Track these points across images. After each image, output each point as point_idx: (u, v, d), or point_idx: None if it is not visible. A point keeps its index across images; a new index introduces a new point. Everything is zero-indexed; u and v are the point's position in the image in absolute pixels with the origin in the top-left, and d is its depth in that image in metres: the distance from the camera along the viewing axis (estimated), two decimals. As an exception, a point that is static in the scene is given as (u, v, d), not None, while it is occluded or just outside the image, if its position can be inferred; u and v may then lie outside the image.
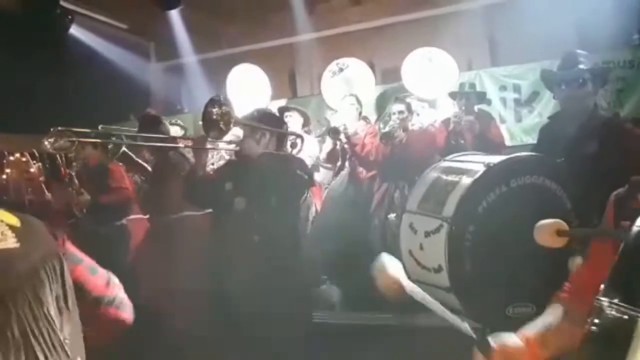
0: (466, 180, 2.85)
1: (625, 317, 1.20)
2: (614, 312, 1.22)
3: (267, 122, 3.69)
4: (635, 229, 1.32)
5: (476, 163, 3.01)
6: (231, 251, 3.43)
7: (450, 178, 3.00)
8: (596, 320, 1.25)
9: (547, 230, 1.44)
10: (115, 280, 1.48)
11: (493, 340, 1.63)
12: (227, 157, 4.51)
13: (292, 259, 3.53)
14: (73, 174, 5.03)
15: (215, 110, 3.45)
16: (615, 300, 1.24)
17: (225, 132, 3.57)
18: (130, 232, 5.11)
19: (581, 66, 3.36)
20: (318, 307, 4.41)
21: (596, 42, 4.98)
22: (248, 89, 6.55)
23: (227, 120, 3.44)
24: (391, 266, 1.94)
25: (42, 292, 1.07)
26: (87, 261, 1.42)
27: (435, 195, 2.99)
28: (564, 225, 1.43)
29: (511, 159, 2.95)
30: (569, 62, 3.42)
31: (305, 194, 5.04)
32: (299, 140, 4.55)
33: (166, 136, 4.61)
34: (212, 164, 4.92)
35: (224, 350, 3.37)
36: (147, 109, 5.43)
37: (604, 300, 1.26)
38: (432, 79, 5.94)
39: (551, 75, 3.56)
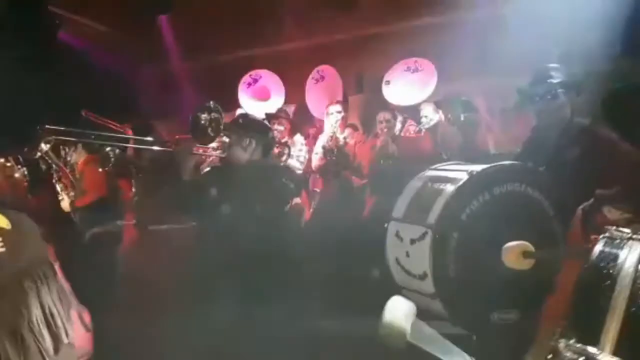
0: (450, 188, 2.91)
1: (581, 359, 1.22)
2: (569, 354, 1.24)
3: (254, 129, 3.71)
4: (588, 264, 1.33)
5: (460, 171, 3.08)
6: (216, 258, 3.43)
7: (435, 186, 3.07)
8: None
9: (514, 252, 1.47)
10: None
11: None
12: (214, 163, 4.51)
13: (277, 265, 3.51)
14: (56, 179, 5.02)
15: (204, 115, 3.49)
16: (572, 342, 1.26)
17: (213, 139, 3.60)
18: (121, 237, 5.09)
19: (551, 80, 3.49)
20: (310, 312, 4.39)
21: (579, 52, 5.04)
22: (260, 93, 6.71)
23: (216, 126, 3.48)
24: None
25: (22, 303, 1.03)
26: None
27: (421, 204, 3.05)
28: (529, 247, 1.45)
29: (493, 167, 3.02)
30: (540, 77, 3.56)
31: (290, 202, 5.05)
32: (285, 149, 4.57)
33: (150, 139, 4.61)
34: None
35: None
36: (141, 117, 5.40)
37: (561, 342, 1.28)
38: (410, 88, 5.99)
39: (524, 91, 3.68)
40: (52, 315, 1.08)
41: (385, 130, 5.16)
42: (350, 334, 4.04)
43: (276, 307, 3.32)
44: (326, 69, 6.41)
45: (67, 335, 1.11)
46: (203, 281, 3.52)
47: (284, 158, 4.62)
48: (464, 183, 2.86)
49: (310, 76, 6.43)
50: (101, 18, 6.94)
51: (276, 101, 6.66)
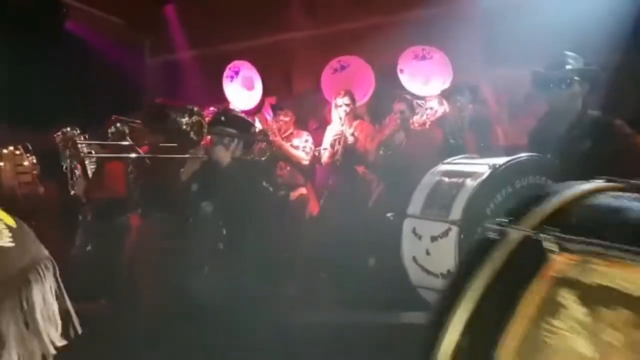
0: (471, 183, 2.81)
1: None
2: None
3: (235, 126, 3.66)
4: None
5: (479, 165, 2.97)
6: (196, 255, 3.46)
7: (453, 181, 2.95)
8: None
9: None
10: None
11: None
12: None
13: (258, 266, 3.50)
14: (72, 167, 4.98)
15: (185, 120, 3.34)
16: None
17: (197, 142, 3.47)
18: (130, 229, 5.05)
19: (568, 67, 3.39)
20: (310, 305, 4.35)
21: (591, 45, 4.99)
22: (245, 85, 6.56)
23: (199, 129, 3.36)
24: None
25: (27, 294, 1.08)
26: None
27: (439, 199, 2.94)
28: None
29: (516, 160, 2.92)
30: (557, 63, 3.45)
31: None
32: (267, 143, 4.48)
33: (127, 143, 4.51)
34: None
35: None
36: (156, 99, 5.23)
37: None
38: (427, 77, 5.94)
39: (540, 76, 3.54)
40: (52, 307, 1.14)
41: (399, 121, 5.11)
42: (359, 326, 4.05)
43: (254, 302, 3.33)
44: (351, 59, 6.30)
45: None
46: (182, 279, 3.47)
47: (267, 154, 4.49)
48: (488, 177, 2.77)
49: (328, 65, 6.29)
50: (107, 6, 6.87)
51: (257, 92, 6.53)
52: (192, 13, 7.01)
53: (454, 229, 2.71)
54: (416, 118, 5.51)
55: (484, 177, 2.80)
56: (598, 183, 1.31)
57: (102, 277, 4.49)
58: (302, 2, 6.74)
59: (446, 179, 3.04)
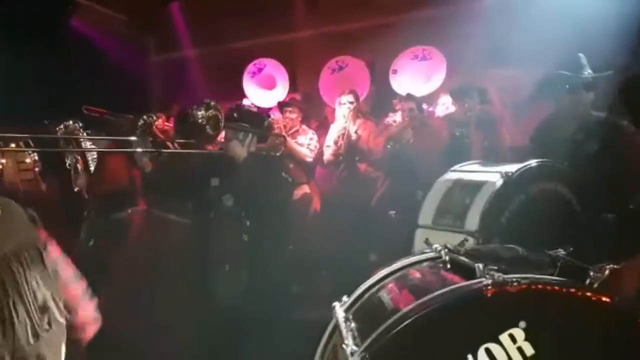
0: (485, 192, 2.73)
1: None
2: None
3: (249, 122, 3.60)
4: None
5: (490, 173, 2.88)
6: (219, 249, 3.39)
7: (465, 191, 2.87)
8: None
9: None
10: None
11: None
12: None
13: (282, 258, 3.49)
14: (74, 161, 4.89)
15: (201, 113, 3.28)
16: None
17: (213, 137, 3.42)
18: (131, 225, 4.97)
19: (589, 71, 3.28)
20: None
21: (596, 46, 4.91)
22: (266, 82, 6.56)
23: (215, 124, 3.30)
24: None
25: (9, 284, 1.05)
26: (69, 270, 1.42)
27: (452, 209, 2.85)
28: None
29: (528, 167, 2.83)
30: (577, 65, 3.33)
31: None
32: (282, 139, 4.44)
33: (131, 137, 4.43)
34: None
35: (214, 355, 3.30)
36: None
37: None
38: (428, 77, 5.89)
39: (559, 76, 3.39)
40: (36, 296, 1.11)
41: (407, 119, 5.08)
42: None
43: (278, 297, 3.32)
44: (348, 59, 6.24)
45: (53, 314, 1.17)
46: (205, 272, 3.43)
47: (282, 149, 4.45)
48: (502, 186, 2.69)
49: (327, 65, 6.25)
50: (112, 4, 6.81)
51: (281, 90, 6.51)
52: (197, 10, 6.95)
53: (471, 240, 2.62)
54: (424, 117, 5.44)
55: (497, 185, 2.71)
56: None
57: (108, 274, 4.41)
58: (306, 2, 6.68)
59: (457, 188, 2.95)
